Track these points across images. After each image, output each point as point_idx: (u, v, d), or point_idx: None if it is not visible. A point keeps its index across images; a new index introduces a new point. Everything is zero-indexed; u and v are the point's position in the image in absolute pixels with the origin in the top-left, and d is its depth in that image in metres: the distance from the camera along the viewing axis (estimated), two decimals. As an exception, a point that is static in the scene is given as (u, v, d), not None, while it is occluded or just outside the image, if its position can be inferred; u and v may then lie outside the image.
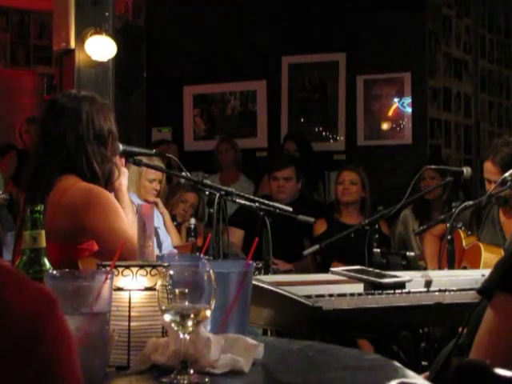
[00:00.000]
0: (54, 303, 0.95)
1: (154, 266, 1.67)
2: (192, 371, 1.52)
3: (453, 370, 0.92)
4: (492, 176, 3.93)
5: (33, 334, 0.91)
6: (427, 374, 2.03)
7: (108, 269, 1.60)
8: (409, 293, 2.90)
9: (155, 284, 1.61)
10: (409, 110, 7.11)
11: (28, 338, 0.91)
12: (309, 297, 2.68)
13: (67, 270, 1.56)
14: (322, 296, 2.72)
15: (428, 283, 3.04)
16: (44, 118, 2.85)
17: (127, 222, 2.64)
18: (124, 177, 2.88)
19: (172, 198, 5.53)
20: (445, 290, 2.96)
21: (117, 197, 2.80)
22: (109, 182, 2.75)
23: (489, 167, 3.96)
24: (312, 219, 3.64)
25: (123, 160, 2.99)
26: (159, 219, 4.83)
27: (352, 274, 3.02)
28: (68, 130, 2.71)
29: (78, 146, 2.70)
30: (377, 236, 3.92)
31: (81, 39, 5.93)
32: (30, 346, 0.91)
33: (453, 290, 2.97)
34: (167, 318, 1.53)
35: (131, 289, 1.64)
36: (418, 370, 2.87)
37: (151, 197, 4.84)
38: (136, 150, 3.16)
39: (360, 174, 5.48)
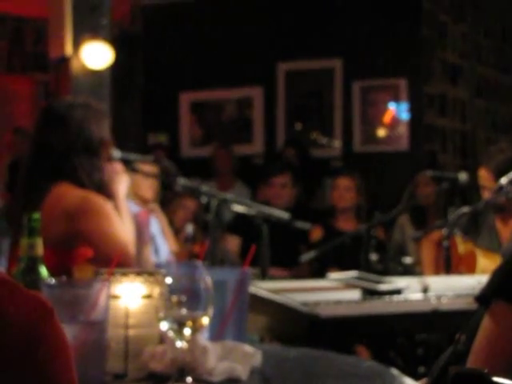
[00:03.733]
0: (51, 312, 0.95)
1: (151, 274, 1.67)
2: (189, 379, 1.52)
3: (450, 377, 0.92)
4: (487, 183, 3.93)
5: (29, 343, 0.91)
6: (425, 380, 2.02)
7: (105, 276, 1.59)
8: (405, 299, 2.91)
9: (152, 292, 1.61)
10: (405, 116, 7.11)
11: (24, 348, 0.91)
12: (306, 304, 2.68)
13: (64, 278, 1.56)
14: (319, 303, 2.72)
15: (425, 289, 3.04)
16: (36, 127, 2.85)
17: (122, 229, 2.64)
18: (123, 184, 2.87)
19: (172, 205, 5.51)
20: (441, 296, 2.96)
21: (114, 204, 2.79)
22: (102, 191, 2.74)
23: (483, 174, 3.96)
24: (308, 225, 3.64)
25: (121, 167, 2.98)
26: (156, 225, 4.82)
27: (349, 280, 3.02)
28: (57, 140, 2.70)
29: (66, 156, 2.69)
30: (373, 242, 3.92)
31: (77, 46, 5.93)
32: (27, 356, 0.91)
33: (449, 297, 2.97)
34: (164, 325, 1.53)
35: (128, 297, 1.64)
36: (416, 376, 2.86)
37: (149, 193, 4.77)
38: (133, 156, 3.16)
39: (355, 179, 5.48)
